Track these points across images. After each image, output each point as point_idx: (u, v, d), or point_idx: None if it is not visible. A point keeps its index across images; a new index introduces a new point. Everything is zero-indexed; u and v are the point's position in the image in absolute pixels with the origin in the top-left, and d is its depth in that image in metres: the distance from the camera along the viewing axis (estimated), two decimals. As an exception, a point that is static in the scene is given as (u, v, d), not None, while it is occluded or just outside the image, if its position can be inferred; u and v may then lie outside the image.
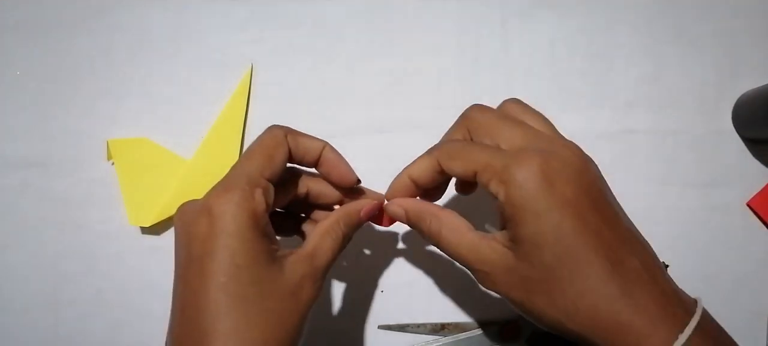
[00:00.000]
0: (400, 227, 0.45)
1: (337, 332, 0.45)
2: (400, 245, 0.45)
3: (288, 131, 0.33)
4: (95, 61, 0.47)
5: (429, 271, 0.45)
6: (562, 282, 0.27)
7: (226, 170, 0.38)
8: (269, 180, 0.31)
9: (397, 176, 0.34)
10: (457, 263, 0.32)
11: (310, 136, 0.34)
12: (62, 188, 0.46)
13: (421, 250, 0.45)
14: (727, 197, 0.45)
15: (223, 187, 0.29)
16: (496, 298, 0.44)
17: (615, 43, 0.46)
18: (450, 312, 0.44)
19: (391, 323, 0.44)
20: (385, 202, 0.36)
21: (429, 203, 0.34)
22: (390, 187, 0.35)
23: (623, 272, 0.27)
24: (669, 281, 0.29)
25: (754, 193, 0.45)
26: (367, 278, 0.45)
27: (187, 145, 0.46)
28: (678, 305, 0.27)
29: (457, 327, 0.43)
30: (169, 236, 0.45)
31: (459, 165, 0.31)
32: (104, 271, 0.45)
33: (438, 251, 0.33)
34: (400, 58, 0.47)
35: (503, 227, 0.29)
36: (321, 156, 0.34)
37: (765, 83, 0.43)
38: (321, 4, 0.47)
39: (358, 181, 0.35)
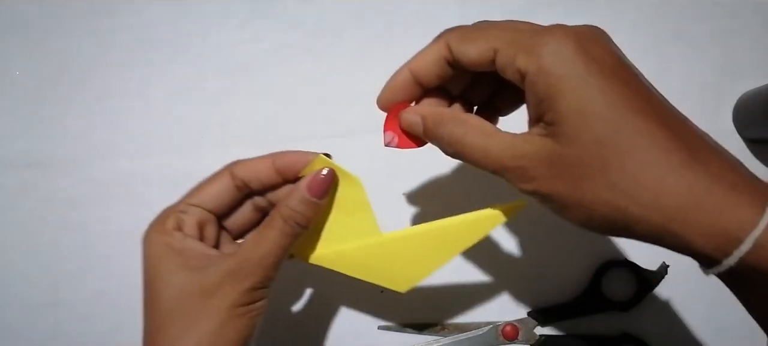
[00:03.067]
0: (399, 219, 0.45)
1: (337, 332, 0.45)
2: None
3: (231, 164, 0.33)
4: (95, 61, 0.47)
5: (429, 271, 0.45)
6: (619, 155, 0.23)
7: (416, 274, 0.35)
8: (197, 205, 0.32)
9: (395, 72, 0.30)
10: (488, 173, 0.27)
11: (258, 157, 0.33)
12: (62, 188, 0.46)
13: (421, 250, 0.45)
14: (727, 197, 0.45)
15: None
16: (495, 298, 0.44)
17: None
18: (450, 312, 0.44)
19: (391, 323, 0.44)
20: (405, 113, 0.30)
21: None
22: (385, 86, 0.30)
23: (687, 138, 0.23)
24: (731, 153, 0.24)
25: (754, 193, 0.44)
26: (367, 278, 0.45)
27: (186, 146, 0.46)
28: (749, 174, 0.23)
29: (457, 327, 0.43)
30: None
31: (475, 47, 0.26)
32: (104, 271, 0.45)
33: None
34: (400, 58, 0.47)
35: (537, 119, 0.26)
36: (276, 165, 0.32)
37: (765, 83, 0.42)
38: (321, 4, 0.47)
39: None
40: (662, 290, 0.42)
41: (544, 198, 0.26)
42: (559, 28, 0.25)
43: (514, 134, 0.26)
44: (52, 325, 0.45)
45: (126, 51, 0.47)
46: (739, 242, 0.22)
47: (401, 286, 0.35)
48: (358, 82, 0.47)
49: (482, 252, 0.44)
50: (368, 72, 0.47)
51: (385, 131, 0.31)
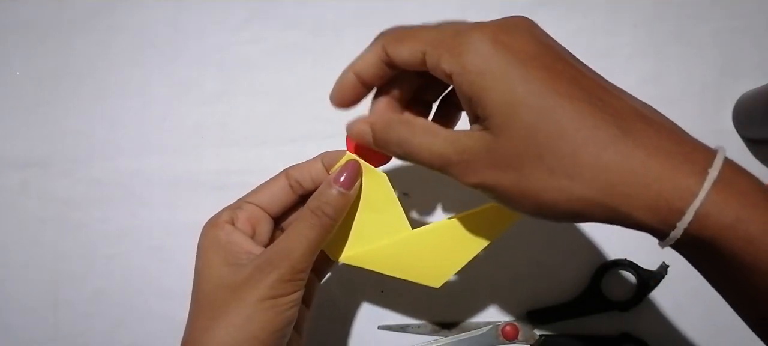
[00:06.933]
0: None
1: (337, 332, 0.45)
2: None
3: (287, 167, 0.35)
4: (95, 61, 0.47)
5: (429, 271, 0.45)
6: (551, 139, 0.23)
7: (447, 267, 0.34)
8: (252, 202, 0.34)
9: (342, 73, 0.31)
10: (437, 172, 0.28)
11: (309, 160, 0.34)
12: (62, 188, 0.46)
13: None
14: (727, 197, 0.45)
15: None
16: (495, 298, 0.44)
17: (615, 43, 0.46)
18: (450, 312, 0.44)
19: (391, 323, 0.44)
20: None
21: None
22: (334, 87, 0.31)
23: (618, 113, 0.23)
24: (674, 123, 0.24)
25: (754, 193, 0.44)
26: (367, 278, 0.45)
27: (186, 146, 0.46)
28: (693, 142, 0.23)
29: (457, 327, 0.43)
30: (168, 236, 0.45)
31: (407, 48, 0.28)
32: (104, 271, 0.45)
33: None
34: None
35: (473, 115, 0.26)
36: (324, 162, 0.34)
37: (765, 83, 0.42)
38: (321, 4, 0.47)
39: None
40: (662, 290, 0.42)
41: (490, 190, 0.26)
42: (477, 27, 0.26)
43: (458, 131, 0.27)
44: (52, 325, 0.45)
45: (126, 51, 0.47)
46: (681, 213, 0.21)
47: (435, 281, 0.34)
48: (358, 82, 0.47)
49: (482, 252, 0.44)
50: (368, 72, 0.47)
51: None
